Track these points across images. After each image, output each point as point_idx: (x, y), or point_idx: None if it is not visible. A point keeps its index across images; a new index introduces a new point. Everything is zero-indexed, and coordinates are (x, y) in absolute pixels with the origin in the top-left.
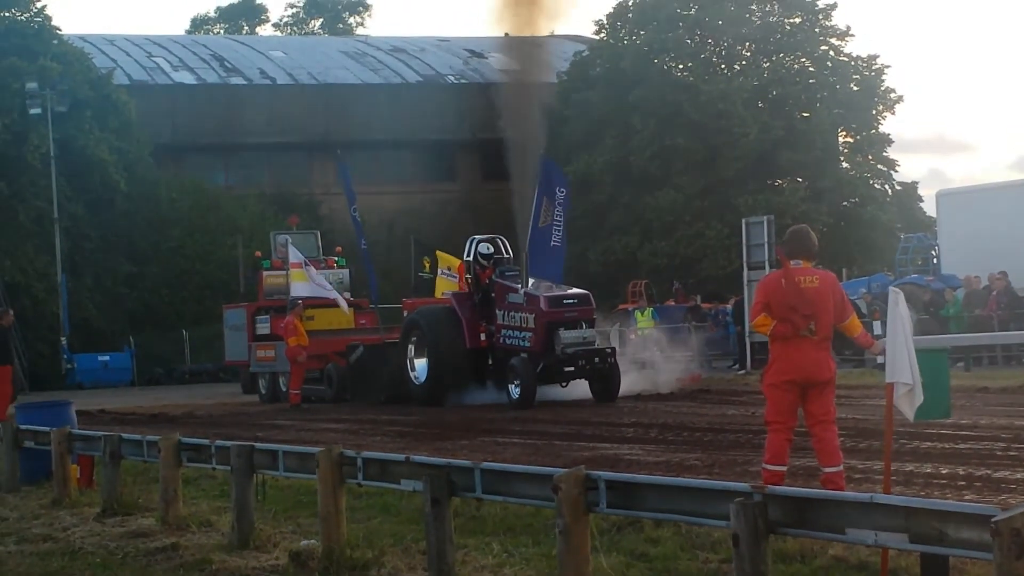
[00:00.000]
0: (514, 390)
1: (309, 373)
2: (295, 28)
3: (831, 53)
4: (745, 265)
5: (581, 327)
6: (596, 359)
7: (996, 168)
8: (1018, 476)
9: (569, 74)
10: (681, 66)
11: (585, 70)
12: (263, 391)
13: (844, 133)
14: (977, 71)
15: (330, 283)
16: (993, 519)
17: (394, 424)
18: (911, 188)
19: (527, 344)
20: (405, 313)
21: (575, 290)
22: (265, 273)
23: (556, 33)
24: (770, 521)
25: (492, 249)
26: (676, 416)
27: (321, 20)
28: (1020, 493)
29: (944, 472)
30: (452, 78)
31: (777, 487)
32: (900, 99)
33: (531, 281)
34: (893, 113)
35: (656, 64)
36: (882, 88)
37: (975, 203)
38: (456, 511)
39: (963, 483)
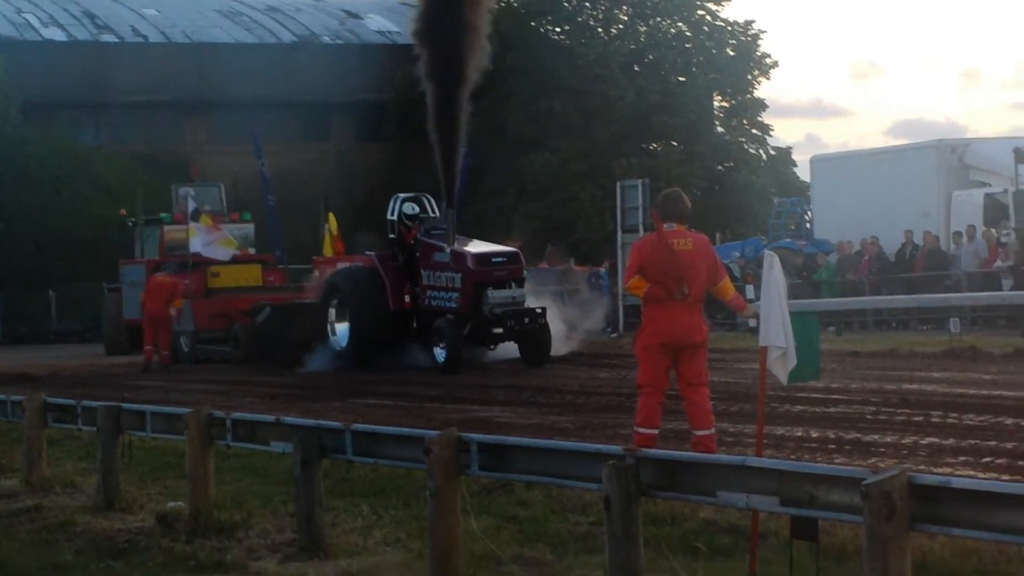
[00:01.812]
0: (440, 353)
1: (212, 333)
2: None
3: (707, 18)
4: (619, 228)
5: (510, 287)
6: (526, 320)
7: (872, 134)
8: (888, 440)
9: None
10: (558, 29)
11: None
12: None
13: (719, 98)
14: (854, 37)
15: (235, 238)
16: (863, 482)
17: (265, 385)
18: (785, 153)
19: (454, 305)
20: (315, 272)
21: (504, 247)
22: (166, 228)
23: None
24: (641, 484)
25: (417, 208)
26: (548, 379)
27: None
28: (890, 456)
29: (815, 435)
30: (328, 39)
31: (649, 450)
32: (775, 64)
33: (457, 239)
34: (768, 78)
35: (533, 27)
36: (757, 53)
37: (848, 169)
38: (326, 473)
39: (834, 446)
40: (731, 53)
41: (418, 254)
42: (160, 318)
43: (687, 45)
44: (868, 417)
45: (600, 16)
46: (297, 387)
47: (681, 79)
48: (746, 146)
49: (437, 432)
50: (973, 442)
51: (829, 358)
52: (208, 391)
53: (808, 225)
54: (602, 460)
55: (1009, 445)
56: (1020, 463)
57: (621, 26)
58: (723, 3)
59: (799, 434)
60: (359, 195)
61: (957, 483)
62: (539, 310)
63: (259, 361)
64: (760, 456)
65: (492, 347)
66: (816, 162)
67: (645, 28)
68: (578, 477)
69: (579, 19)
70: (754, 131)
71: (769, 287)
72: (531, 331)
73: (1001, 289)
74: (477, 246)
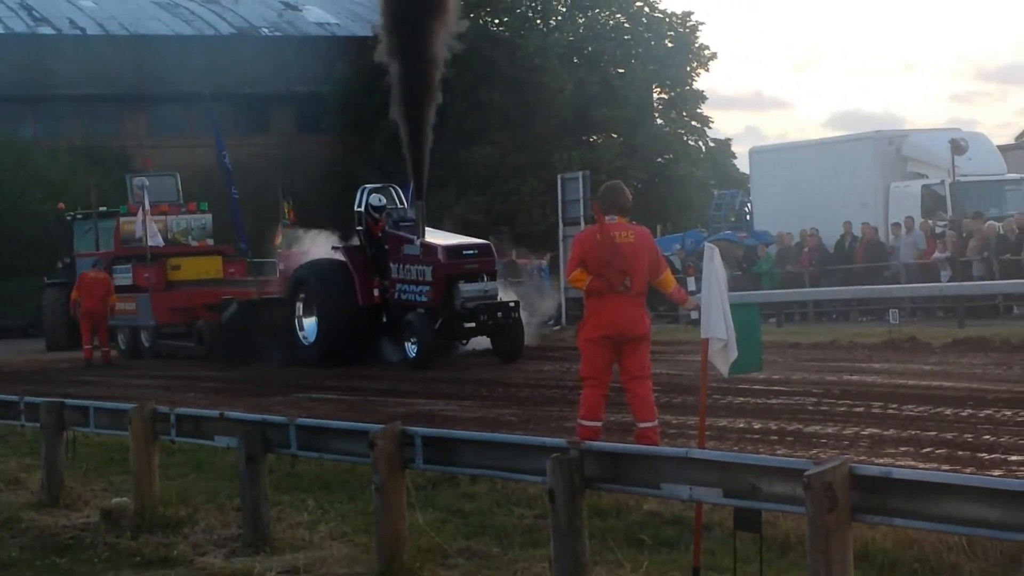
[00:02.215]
0: (411, 348)
1: (174, 328)
2: None
3: (646, 9)
4: (560, 221)
5: (482, 279)
6: (499, 314)
7: (811, 125)
8: (829, 431)
9: None
10: (497, 21)
11: None
12: (122, 346)
13: (658, 90)
14: (793, 29)
15: (192, 228)
16: (805, 473)
17: (210, 380)
18: (725, 145)
19: (424, 299)
20: (280, 266)
21: (474, 240)
22: (122, 219)
23: None
24: (586, 476)
25: (384, 200)
26: (492, 372)
27: None
28: (831, 447)
29: (757, 427)
30: (266, 30)
31: (592, 442)
32: (714, 56)
33: (427, 231)
34: (707, 70)
35: (472, 19)
36: (696, 45)
37: (787, 160)
38: (271, 468)
39: (775, 438)
40: (669, 45)
41: (387, 247)
42: (97, 313)
43: (626, 37)
44: (809, 408)
45: (539, 8)
46: (241, 381)
47: (620, 71)
48: (686, 138)
49: (381, 426)
50: (914, 432)
51: (770, 350)
52: (152, 386)
53: (748, 217)
54: (546, 453)
55: (949, 435)
56: (960, 453)
57: (560, 18)
58: None
59: (741, 426)
60: (299, 188)
61: (898, 473)
62: (512, 303)
63: (225, 358)
64: (703, 448)
65: (464, 342)
66: (755, 154)
67: (583, 20)
68: (523, 470)
69: (518, 11)
70: (693, 123)
71: (710, 279)
72: (504, 325)
73: (939, 280)
74: (447, 238)
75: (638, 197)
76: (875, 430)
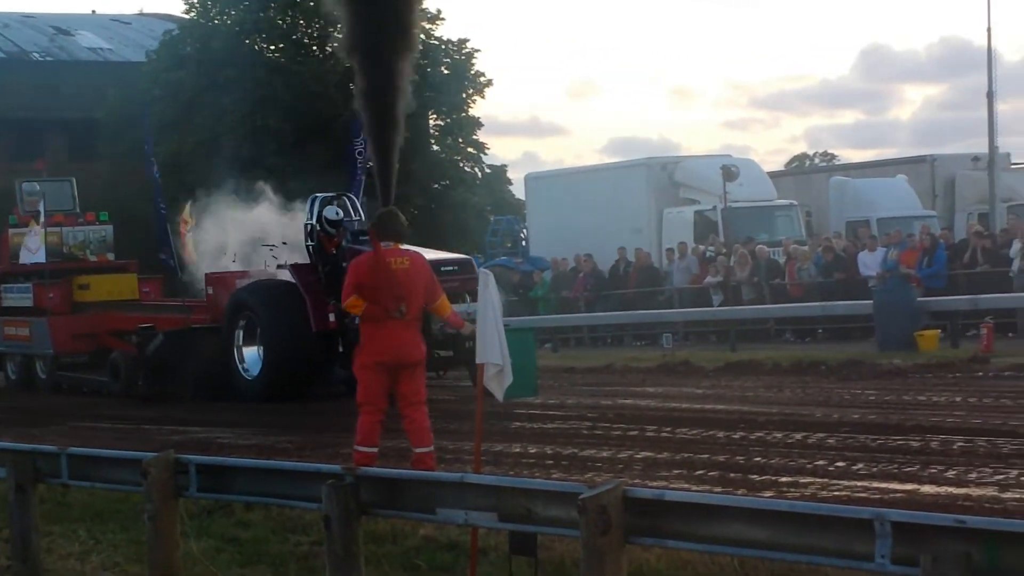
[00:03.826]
0: None
1: (76, 357)
2: None
3: (422, 36)
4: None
5: (466, 300)
6: None
7: (588, 152)
8: (604, 454)
9: (158, 53)
10: (273, 47)
11: (175, 49)
12: (12, 375)
13: (434, 116)
14: (570, 56)
15: (91, 241)
16: (580, 496)
17: None
18: (501, 171)
19: None
20: (209, 290)
21: (454, 255)
22: (11, 231)
23: (145, 12)
24: (362, 502)
25: (341, 213)
26: (267, 399)
27: None
28: (606, 471)
29: (533, 451)
30: (37, 55)
31: (369, 468)
32: (490, 83)
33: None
34: (483, 97)
35: (247, 44)
36: (472, 72)
37: (562, 186)
38: (42, 497)
39: (551, 462)
40: (445, 72)
41: (344, 264)
42: None
43: None
44: (584, 432)
45: (315, 34)
46: (13, 411)
47: None
48: (462, 164)
49: (154, 454)
50: (687, 455)
51: (546, 374)
52: None
53: (524, 243)
54: (322, 479)
55: (721, 458)
56: (732, 475)
57: (336, 44)
58: (437, 22)
59: (517, 450)
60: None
61: (671, 496)
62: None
63: (147, 395)
64: (479, 473)
65: (441, 374)
66: (530, 180)
67: None
68: (298, 497)
69: (294, 37)
70: (470, 149)
71: (485, 305)
72: None
73: (711, 305)
74: (421, 253)
75: (415, 223)
76: (649, 453)
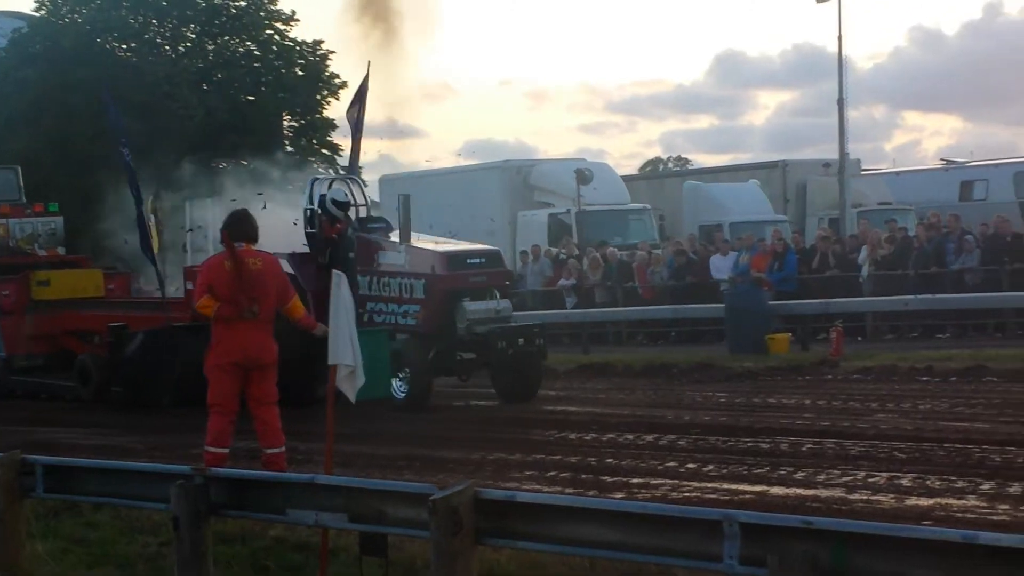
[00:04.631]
0: (399, 385)
1: (32, 361)
2: None
3: (276, 37)
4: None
5: (495, 297)
6: (521, 341)
7: (444, 154)
8: (456, 456)
9: (7, 51)
10: (125, 46)
11: (24, 47)
12: None
13: (288, 117)
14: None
15: (40, 234)
16: (430, 497)
17: None
18: (356, 173)
19: (412, 322)
20: (189, 285)
21: (481, 245)
22: None
23: None
24: (211, 503)
25: (348, 195)
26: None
27: None
28: (458, 472)
29: (385, 453)
30: None
31: (219, 469)
32: (344, 85)
33: (413, 235)
34: (338, 98)
35: (99, 43)
36: (326, 73)
37: (417, 188)
38: None
39: (403, 463)
40: (300, 73)
41: (351, 255)
42: None
43: (256, 64)
44: (438, 434)
45: (168, 34)
46: None
47: (250, 98)
48: (316, 165)
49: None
50: (539, 457)
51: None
52: None
53: None
54: (171, 480)
55: (573, 459)
56: (584, 476)
57: (189, 44)
58: (291, 23)
59: (369, 451)
60: None
61: (522, 497)
62: (536, 327)
63: (124, 401)
64: (329, 474)
65: (464, 378)
66: (385, 182)
67: (213, 47)
68: (147, 497)
69: (146, 36)
70: (324, 151)
71: (337, 306)
72: (526, 356)
73: (565, 307)
74: (442, 243)
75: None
76: (502, 454)
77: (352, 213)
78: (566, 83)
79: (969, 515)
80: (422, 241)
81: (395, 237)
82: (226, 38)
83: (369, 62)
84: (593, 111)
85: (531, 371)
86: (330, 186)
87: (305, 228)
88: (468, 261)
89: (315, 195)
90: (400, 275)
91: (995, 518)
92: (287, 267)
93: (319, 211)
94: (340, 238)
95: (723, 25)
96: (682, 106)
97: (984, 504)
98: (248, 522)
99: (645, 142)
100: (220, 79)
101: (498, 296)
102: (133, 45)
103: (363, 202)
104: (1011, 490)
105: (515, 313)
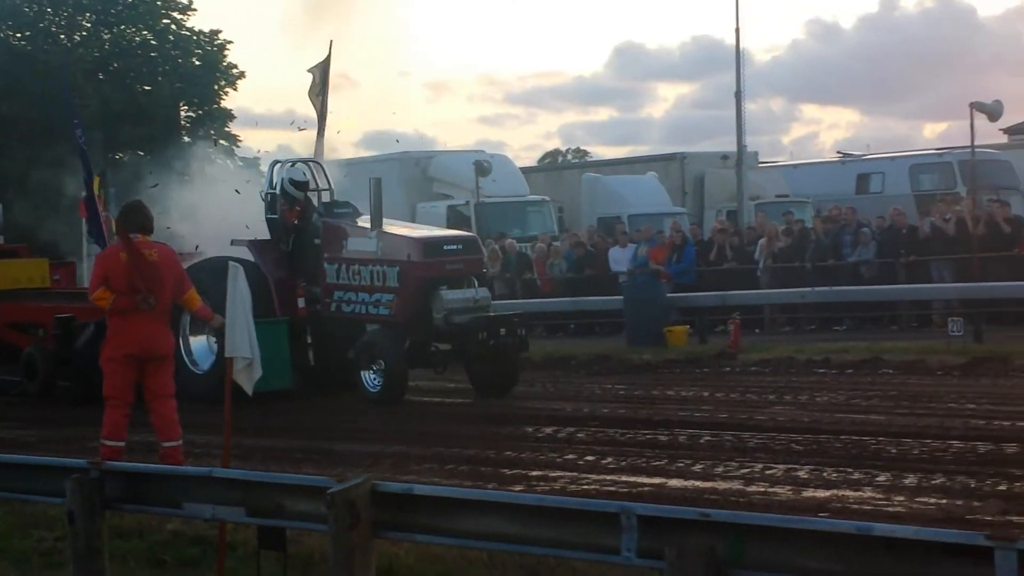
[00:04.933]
0: (371, 378)
1: None
2: None
3: (173, 27)
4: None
5: (473, 285)
6: (502, 331)
7: (343, 145)
8: (355, 449)
9: None
10: (19, 35)
11: None
12: None
13: (186, 107)
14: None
15: None
16: (328, 491)
17: None
18: (253, 163)
19: (385, 312)
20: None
21: (457, 232)
22: None
23: None
24: (107, 497)
25: (306, 175)
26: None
27: None
28: (357, 465)
29: (283, 446)
30: None
31: (114, 462)
32: (243, 75)
33: (384, 220)
34: (236, 89)
35: None
36: (224, 63)
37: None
38: None
39: (301, 456)
40: (197, 63)
41: (317, 241)
42: None
43: (152, 54)
44: (336, 427)
45: (63, 23)
46: None
47: (147, 88)
48: (214, 156)
49: None
50: (438, 450)
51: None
52: None
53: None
54: (66, 474)
55: (471, 452)
56: (483, 470)
57: (84, 33)
58: (189, 12)
59: (268, 444)
60: None
61: (420, 490)
62: (515, 317)
63: (74, 396)
64: (227, 467)
65: (440, 370)
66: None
67: (109, 36)
68: (41, 491)
69: (41, 25)
70: (222, 141)
71: (234, 299)
72: (509, 344)
73: None
74: (416, 228)
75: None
76: (400, 447)
77: (314, 198)
78: (466, 75)
79: (865, 507)
80: (395, 227)
81: (363, 222)
82: (122, 27)
83: (331, 41)
84: (493, 103)
85: (510, 363)
86: (290, 167)
87: (265, 214)
88: (445, 247)
89: (275, 179)
90: (372, 262)
91: (891, 509)
92: (248, 255)
93: (279, 195)
94: (303, 222)
95: (622, 17)
96: (581, 98)
97: (880, 495)
98: (145, 516)
99: (544, 134)
100: (116, 69)
101: (476, 284)
102: (28, 34)
103: (326, 186)
104: (906, 482)
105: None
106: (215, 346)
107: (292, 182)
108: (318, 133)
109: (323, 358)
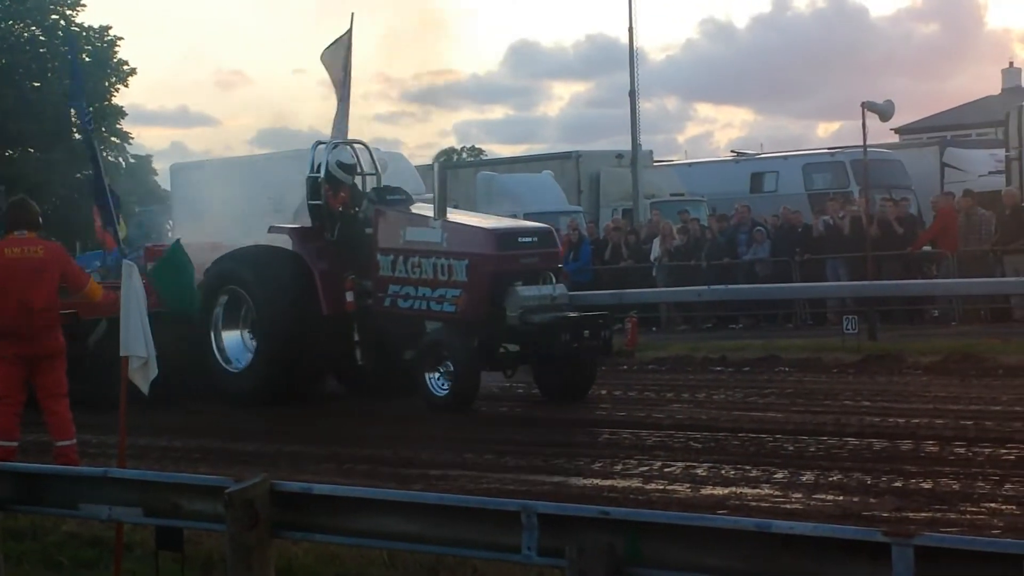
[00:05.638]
0: (436, 381)
1: None
2: None
3: (62, 23)
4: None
5: (550, 281)
6: (586, 332)
7: (237, 143)
8: (251, 448)
9: None
10: None
11: None
12: None
13: None
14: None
15: None
16: (226, 491)
17: None
18: (145, 161)
19: (451, 308)
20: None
21: (533, 223)
22: None
23: None
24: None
25: (354, 159)
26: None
27: None
28: (256, 465)
29: (179, 445)
30: None
31: (7, 463)
32: (134, 72)
33: (448, 208)
34: (127, 85)
35: None
36: (115, 60)
37: (209, 176)
38: None
39: (198, 455)
40: (87, 59)
41: (368, 230)
42: None
43: (41, 50)
44: (233, 427)
45: None
46: None
47: (36, 84)
48: (105, 153)
49: None
50: (335, 449)
51: None
52: None
53: (170, 233)
54: None
55: (369, 451)
56: (382, 469)
57: None
58: (79, 8)
59: (164, 444)
60: None
61: (319, 489)
62: (602, 319)
63: (91, 396)
64: (123, 467)
65: (510, 373)
66: (176, 170)
67: None
68: None
69: None
70: (113, 139)
71: (128, 297)
72: (591, 348)
73: None
74: (484, 218)
75: (58, 213)
76: (298, 447)
77: (359, 182)
78: (361, 72)
79: (763, 504)
80: (461, 216)
81: (417, 210)
82: (10, 22)
83: (352, 14)
84: (388, 100)
85: (589, 368)
86: (335, 149)
87: (308, 200)
88: (519, 240)
89: (317, 162)
90: (435, 254)
91: (789, 506)
92: (288, 243)
93: (323, 179)
94: (344, 208)
95: (517, 16)
96: (476, 96)
97: (778, 493)
98: (39, 517)
99: (439, 132)
100: (4, 65)
101: (553, 280)
102: None
103: (372, 171)
104: (804, 479)
105: None
106: (251, 342)
107: (340, 164)
108: (340, 112)
109: (372, 357)
